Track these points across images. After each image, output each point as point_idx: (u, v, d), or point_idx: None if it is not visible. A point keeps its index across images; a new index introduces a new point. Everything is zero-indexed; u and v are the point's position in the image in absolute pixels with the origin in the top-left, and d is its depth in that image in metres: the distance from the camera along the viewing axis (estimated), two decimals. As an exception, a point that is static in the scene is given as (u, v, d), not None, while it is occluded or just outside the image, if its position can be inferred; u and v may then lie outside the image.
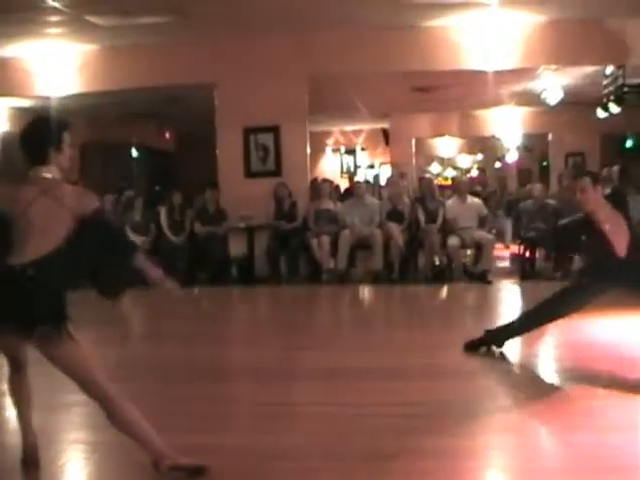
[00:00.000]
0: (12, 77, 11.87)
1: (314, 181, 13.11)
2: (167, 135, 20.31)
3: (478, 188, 19.97)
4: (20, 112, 13.63)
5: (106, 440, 4.02)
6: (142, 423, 3.57)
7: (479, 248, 11.14)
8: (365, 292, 11.07)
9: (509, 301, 10.26)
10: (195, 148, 17.47)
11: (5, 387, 3.91)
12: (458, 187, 12.17)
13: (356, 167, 22.77)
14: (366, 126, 21.20)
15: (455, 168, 26.08)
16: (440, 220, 11.33)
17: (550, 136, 18.86)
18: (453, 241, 11.01)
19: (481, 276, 10.76)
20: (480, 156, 25.83)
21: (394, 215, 11.33)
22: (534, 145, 21.48)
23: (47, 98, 11.79)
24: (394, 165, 17.69)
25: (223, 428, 4.51)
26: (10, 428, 4.22)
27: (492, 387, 5.49)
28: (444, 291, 10.71)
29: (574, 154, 18.05)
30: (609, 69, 12.80)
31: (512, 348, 6.13)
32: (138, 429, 3.57)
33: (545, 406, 4.83)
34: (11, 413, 4.02)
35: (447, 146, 23.00)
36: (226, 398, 5.23)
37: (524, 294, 10.34)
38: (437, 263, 11.33)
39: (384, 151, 21.02)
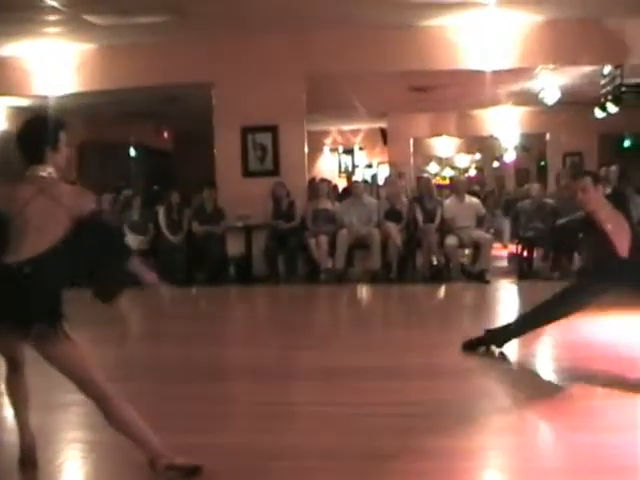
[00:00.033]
0: (10, 76, 11.85)
1: (312, 181, 13.10)
2: (165, 134, 20.31)
3: (476, 188, 19.97)
4: (18, 111, 13.64)
5: (104, 440, 4.01)
6: (139, 423, 3.58)
7: (477, 248, 11.14)
8: (363, 292, 11.07)
9: (507, 301, 10.27)
10: (193, 147, 17.46)
11: (2, 387, 3.91)
12: (456, 187, 12.17)
13: (354, 167, 22.78)
14: (364, 126, 21.21)
15: (453, 168, 26.10)
16: (438, 220, 11.33)
17: (548, 136, 18.89)
18: (451, 241, 11.01)
19: (479, 276, 10.77)
20: (478, 156, 25.85)
21: (392, 215, 11.33)
22: (532, 145, 21.49)
23: (45, 97, 11.78)
24: (392, 165, 17.69)
25: (221, 428, 4.51)
26: (8, 427, 4.21)
27: (490, 387, 5.49)
28: (442, 291, 10.70)
29: (572, 154, 18.07)
30: (607, 69, 12.81)
31: (511, 348, 6.12)
32: (135, 429, 3.57)
33: (544, 406, 4.83)
34: (8, 412, 4.01)
35: (445, 146, 23.01)
36: (224, 398, 5.22)
37: (522, 294, 10.34)
38: (435, 263, 11.33)
39: (382, 151, 21.02)
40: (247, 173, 11.79)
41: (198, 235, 11.57)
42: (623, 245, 5.49)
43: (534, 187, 12.06)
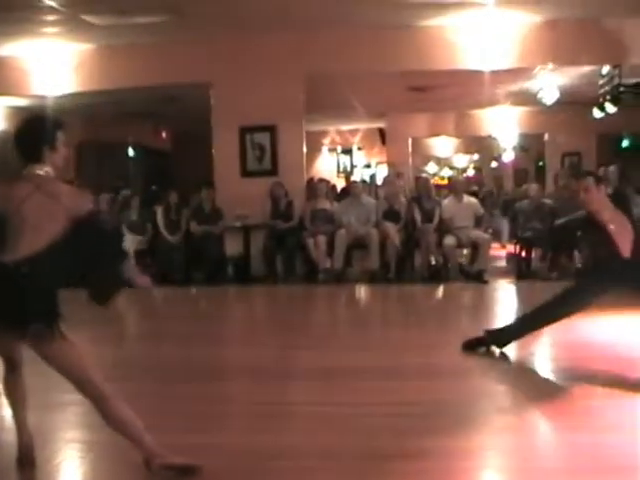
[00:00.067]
0: (8, 76, 11.85)
1: (310, 181, 13.09)
2: (163, 134, 20.31)
3: (474, 188, 20.00)
4: (16, 111, 13.62)
5: (102, 439, 4.01)
6: (136, 422, 3.58)
7: (475, 248, 11.14)
8: (361, 292, 11.06)
9: (505, 301, 10.27)
10: (191, 147, 17.45)
11: (0, 387, 3.90)
12: (454, 187, 12.16)
13: (352, 167, 22.78)
14: (362, 125, 21.21)
15: (451, 168, 26.13)
16: (436, 220, 11.33)
17: (546, 136, 18.90)
18: (449, 241, 11.00)
19: (477, 276, 10.76)
20: (476, 156, 25.88)
21: (390, 215, 11.33)
22: (530, 145, 21.51)
23: (43, 97, 11.77)
24: (390, 165, 17.70)
25: (219, 427, 4.50)
26: (6, 427, 4.20)
27: (489, 387, 5.48)
28: (440, 291, 10.70)
29: (570, 154, 18.08)
30: (605, 69, 12.81)
31: (510, 348, 6.11)
32: (132, 428, 3.58)
33: (543, 406, 4.83)
34: (6, 412, 4.00)
35: (443, 146, 23.02)
36: (222, 397, 5.22)
37: (520, 294, 10.35)
38: (433, 263, 11.32)
39: (380, 151, 21.03)
40: (245, 173, 11.79)
41: (196, 235, 11.57)
42: (626, 245, 5.49)
43: (532, 187, 12.07)
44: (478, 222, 11.47)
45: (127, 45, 11.34)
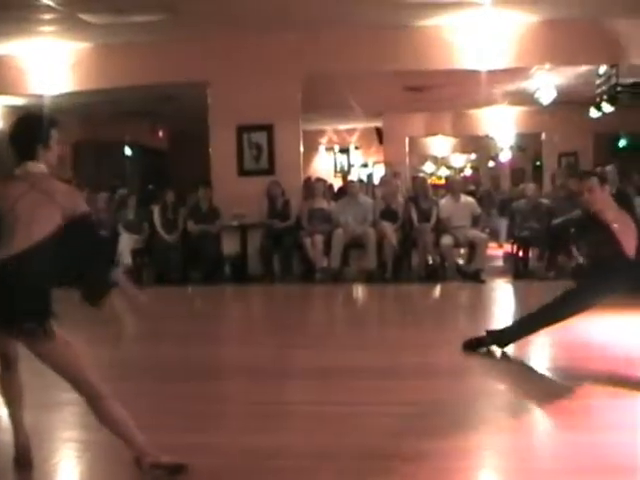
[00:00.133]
0: (5, 75, 11.84)
1: (307, 180, 13.09)
2: (160, 133, 20.28)
3: (472, 187, 20.00)
4: (13, 110, 13.59)
5: (98, 439, 4.00)
6: (128, 422, 3.59)
7: (472, 247, 11.15)
8: (358, 291, 11.06)
9: (502, 300, 10.28)
10: (188, 146, 17.44)
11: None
12: (451, 186, 12.17)
13: (350, 166, 22.77)
14: (360, 125, 21.20)
15: (449, 167, 26.12)
16: (434, 219, 11.33)
17: (543, 135, 18.90)
18: (446, 240, 11.00)
19: (474, 275, 10.76)
20: (473, 155, 25.87)
21: (388, 214, 11.32)
22: (527, 144, 21.50)
23: (40, 96, 11.74)
24: (388, 164, 17.70)
25: (217, 427, 4.50)
26: (2, 426, 4.19)
27: (487, 386, 5.48)
28: (437, 290, 10.71)
29: (567, 154, 18.09)
30: (602, 69, 12.81)
31: (510, 348, 6.10)
32: (124, 428, 3.59)
33: (541, 405, 4.83)
34: (3, 411, 4.00)
35: (440, 145, 23.01)
36: (220, 397, 5.22)
37: (517, 293, 10.36)
38: (430, 262, 11.33)
39: (378, 150, 21.02)
40: (242, 172, 11.79)
41: (193, 234, 11.56)
42: (630, 245, 5.49)
43: (529, 187, 12.07)
44: (475, 222, 11.48)
45: (124, 44, 11.33)
